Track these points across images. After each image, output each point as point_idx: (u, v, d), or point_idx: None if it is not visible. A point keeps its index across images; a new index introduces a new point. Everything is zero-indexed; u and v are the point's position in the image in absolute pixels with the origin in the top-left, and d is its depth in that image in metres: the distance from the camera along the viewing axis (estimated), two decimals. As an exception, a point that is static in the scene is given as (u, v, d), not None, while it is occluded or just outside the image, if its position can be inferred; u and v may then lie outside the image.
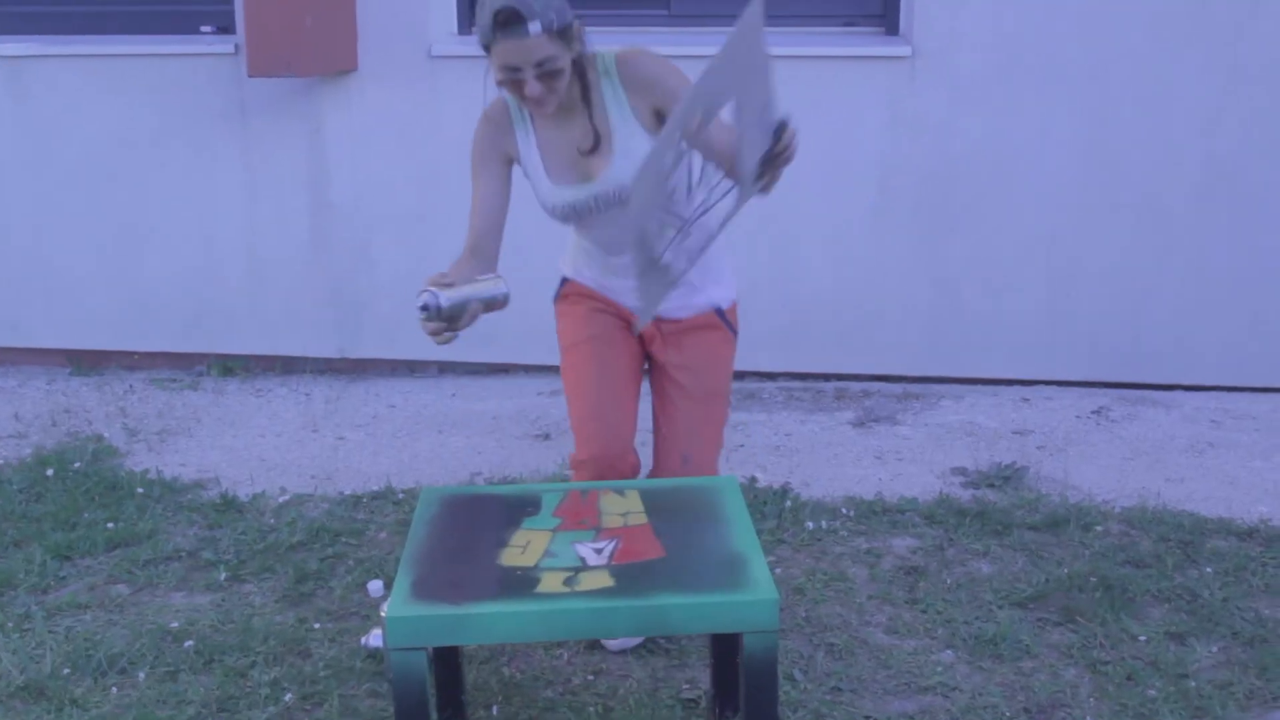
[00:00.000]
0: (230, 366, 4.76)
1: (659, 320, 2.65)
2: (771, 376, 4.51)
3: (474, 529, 2.19)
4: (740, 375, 4.45)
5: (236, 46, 4.43)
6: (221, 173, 4.59)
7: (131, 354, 4.83)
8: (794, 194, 4.34)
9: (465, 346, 4.59)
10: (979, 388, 4.37)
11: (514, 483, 3.60)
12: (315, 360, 4.74)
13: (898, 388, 4.40)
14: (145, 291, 4.73)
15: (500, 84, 2.36)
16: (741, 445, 3.91)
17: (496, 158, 2.55)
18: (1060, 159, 4.20)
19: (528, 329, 4.50)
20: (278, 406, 4.39)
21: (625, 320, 2.68)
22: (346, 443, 4.04)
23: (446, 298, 2.24)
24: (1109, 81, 4.11)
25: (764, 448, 3.90)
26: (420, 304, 2.24)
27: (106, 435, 4.09)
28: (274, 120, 4.51)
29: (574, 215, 2.53)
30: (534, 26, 2.25)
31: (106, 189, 4.65)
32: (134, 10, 4.69)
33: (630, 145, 2.44)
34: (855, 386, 4.42)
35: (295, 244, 4.62)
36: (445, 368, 4.69)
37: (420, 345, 4.61)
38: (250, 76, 4.11)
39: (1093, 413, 4.12)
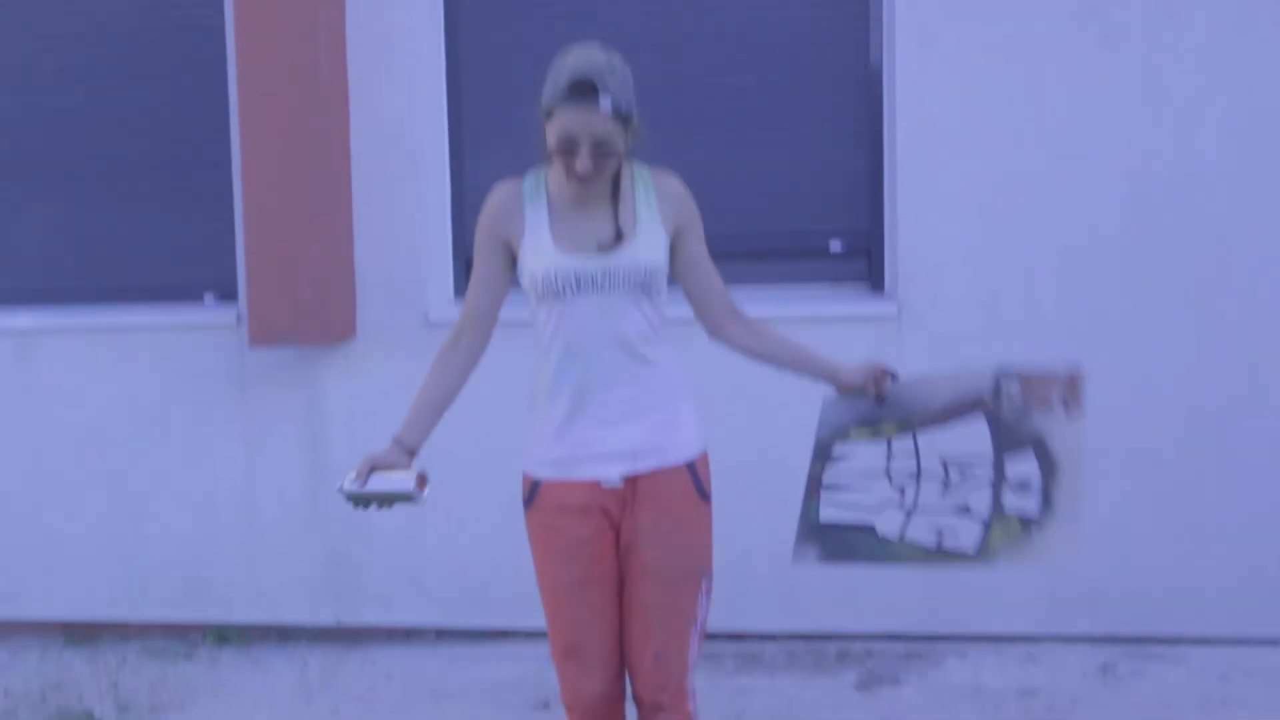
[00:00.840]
0: (226, 635, 4.70)
1: (630, 480, 2.54)
2: (773, 638, 4.44)
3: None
4: (741, 636, 4.39)
5: (239, 316, 4.53)
6: (221, 441, 4.64)
7: (126, 624, 4.77)
8: (792, 451, 4.37)
9: (463, 611, 4.60)
10: (983, 645, 4.30)
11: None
12: (311, 629, 4.68)
13: (900, 646, 4.33)
14: (141, 561, 4.71)
15: (553, 153, 2.43)
16: (744, 711, 3.83)
17: (497, 247, 2.61)
18: (1049, 412, 4.23)
19: (523, 593, 4.49)
20: (273, 678, 4.31)
21: (602, 526, 2.56)
22: (342, 716, 3.95)
23: (356, 487, 2.52)
24: (1089, 337, 4.18)
25: (765, 714, 3.81)
26: (338, 488, 2.53)
27: (97, 712, 4.01)
28: (273, 387, 4.58)
29: (570, 288, 2.49)
30: (605, 102, 2.34)
31: (107, 458, 4.69)
32: (140, 283, 4.81)
33: (652, 238, 2.51)
34: (858, 646, 4.35)
35: (293, 511, 4.63)
36: (443, 634, 4.62)
37: (417, 611, 4.63)
38: (251, 346, 4.20)
39: (1099, 670, 4.04)
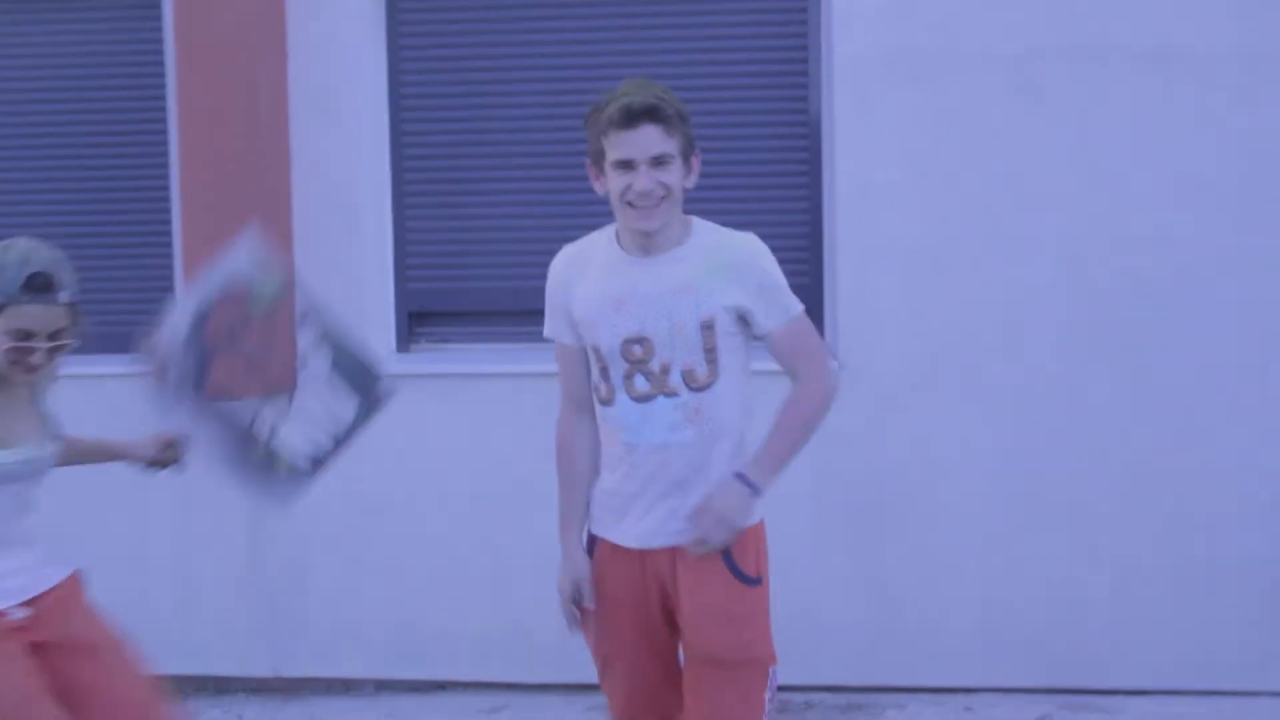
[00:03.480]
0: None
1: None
2: (713, 688, 4.43)
3: None
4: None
5: (175, 366, 4.46)
6: (154, 487, 4.50)
7: (57, 676, 4.66)
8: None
9: (401, 662, 4.56)
10: (922, 696, 4.32)
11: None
12: (248, 680, 4.61)
13: (841, 698, 4.35)
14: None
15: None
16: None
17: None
18: (985, 467, 4.29)
19: (465, 645, 4.47)
20: (207, 733, 4.25)
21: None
22: (277, 774, 3.91)
23: None
24: (1028, 394, 4.24)
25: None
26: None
27: (25, 771, 3.92)
28: (212, 437, 4.51)
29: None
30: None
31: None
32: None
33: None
34: (798, 698, 4.35)
35: (229, 559, 4.56)
36: (382, 685, 4.57)
37: (357, 663, 4.57)
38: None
39: (1036, 722, 4.09)
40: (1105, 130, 4.22)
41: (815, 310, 4.43)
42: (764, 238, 4.37)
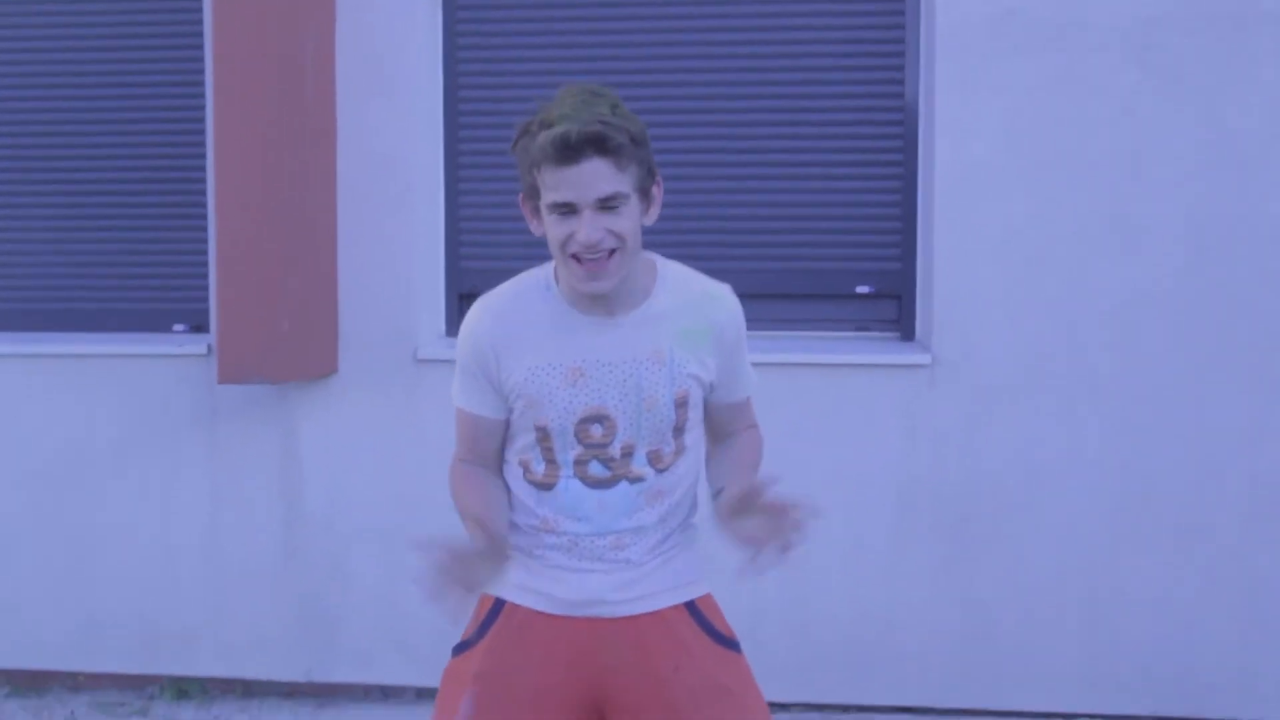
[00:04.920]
0: (185, 689, 4.37)
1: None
2: (785, 707, 4.14)
3: None
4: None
5: (209, 347, 4.22)
6: (185, 479, 4.32)
7: (76, 675, 4.44)
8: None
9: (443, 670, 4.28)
10: (1023, 721, 4.03)
11: None
12: (279, 685, 4.35)
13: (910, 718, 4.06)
14: (95, 606, 4.39)
15: None
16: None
17: None
18: (1091, 476, 3.97)
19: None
20: (236, 743, 3.98)
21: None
22: (312, 796, 3.62)
23: None
24: (1139, 395, 3.93)
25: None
26: None
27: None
28: (246, 424, 4.26)
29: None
30: None
31: (59, 496, 4.37)
32: (102, 308, 4.52)
33: None
34: (877, 719, 4.06)
35: (262, 557, 4.31)
36: (423, 693, 4.30)
37: (396, 669, 4.31)
38: (220, 384, 3.86)
39: (1144, 757, 3.76)
40: (1238, 105, 3.86)
41: (907, 301, 4.14)
42: (851, 220, 4.17)
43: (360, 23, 4.18)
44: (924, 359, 3.98)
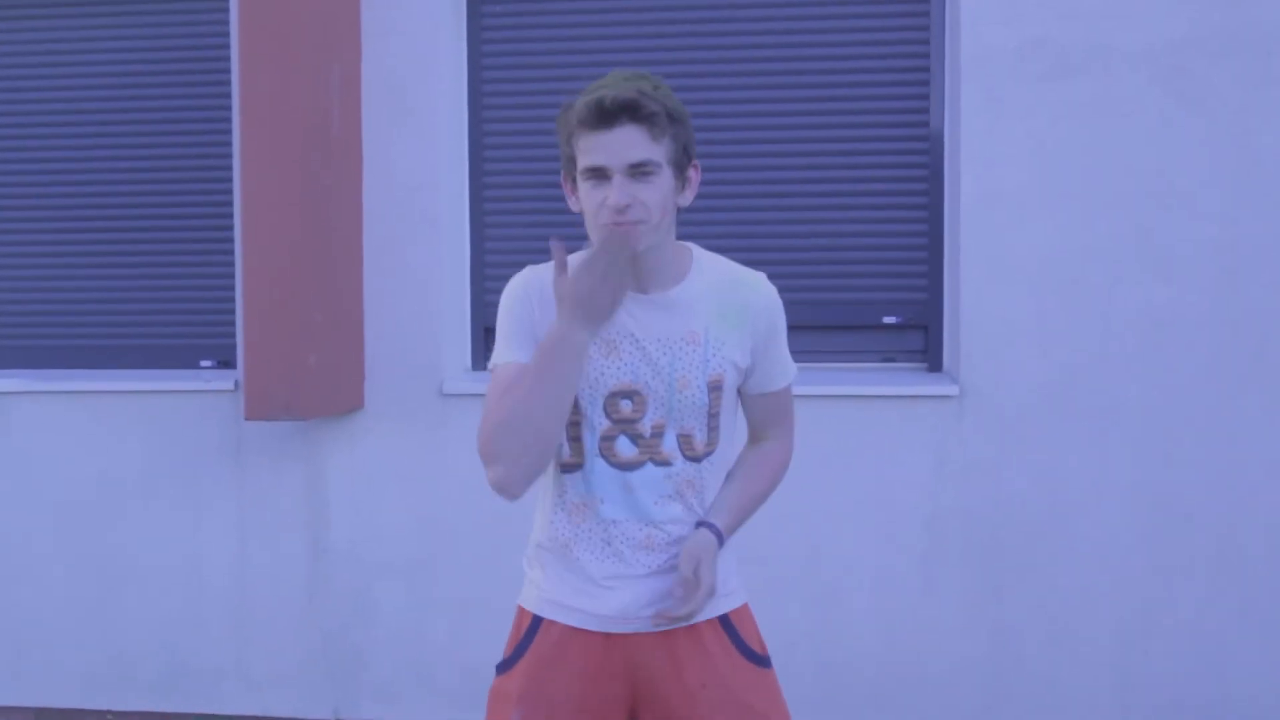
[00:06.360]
0: (213, 727, 4.35)
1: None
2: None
3: None
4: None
5: (236, 383, 4.22)
6: (211, 516, 4.30)
7: (104, 713, 4.42)
8: (834, 540, 4.04)
9: (472, 708, 4.22)
10: (1048, 756, 3.94)
11: None
12: (307, 722, 4.33)
13: (957, 757, 3.97)
14: (122, 644, 4.38)
15: None
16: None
17: None
18: (1121, 504, 3.91)
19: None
20: (263, 783, 3.95)
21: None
22: (340, 834, 3.59)
23: None
24: (1172, 424, 3.87)
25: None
26: None
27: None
28: (272, 459, 4.26)
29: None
30: None
31: (86, 532, 4.37)
32: (130, 344, 4.53)
33: None
34: (908, 753, 3.99)
35: (289, 594, 4.29)
36: (451, 731, 4.27)
37: (424, 707, 4.28)
38: (247, 419, 3.86)
39: (1183, 792, 3.68)
40: (1266, 129, 3.82)
41: (934, 327, 4.10)
42: (877, 250, 4.15)
43: (386, 48, 4.19)
44: (952, 390, 3.94)
